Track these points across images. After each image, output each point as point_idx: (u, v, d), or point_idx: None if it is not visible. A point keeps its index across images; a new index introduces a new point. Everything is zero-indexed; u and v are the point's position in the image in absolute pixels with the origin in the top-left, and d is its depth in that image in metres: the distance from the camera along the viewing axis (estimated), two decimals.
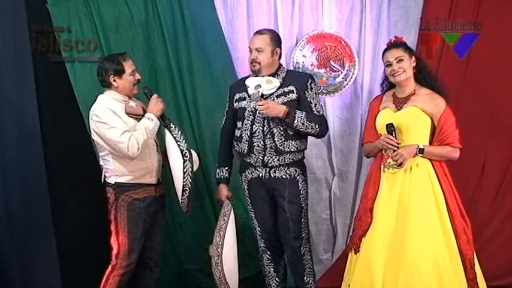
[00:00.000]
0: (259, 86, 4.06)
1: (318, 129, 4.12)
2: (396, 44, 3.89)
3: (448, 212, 3.67)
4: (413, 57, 3.82)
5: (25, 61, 4.34)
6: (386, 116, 3.82)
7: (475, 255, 3.70)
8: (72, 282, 4.46)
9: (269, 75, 4.12)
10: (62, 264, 4.44)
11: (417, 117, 3.73)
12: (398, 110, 3.79)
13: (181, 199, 3.99)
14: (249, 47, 4.18)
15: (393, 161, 3.72)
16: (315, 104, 4.15)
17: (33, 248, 4.40)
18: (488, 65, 4.89)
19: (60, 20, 4.63)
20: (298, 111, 4.04)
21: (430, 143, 3.76)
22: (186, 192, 3.97)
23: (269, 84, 4.07)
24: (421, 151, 3.69)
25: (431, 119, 3.74)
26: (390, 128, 3.73)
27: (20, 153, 4.39)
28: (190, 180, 3.96)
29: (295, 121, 4.02)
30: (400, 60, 3.79)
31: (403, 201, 3.67)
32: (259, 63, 4.11)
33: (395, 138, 3.71)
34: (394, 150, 3.70)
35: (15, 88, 4.38)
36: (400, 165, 3.69)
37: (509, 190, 4.97)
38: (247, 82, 4.15)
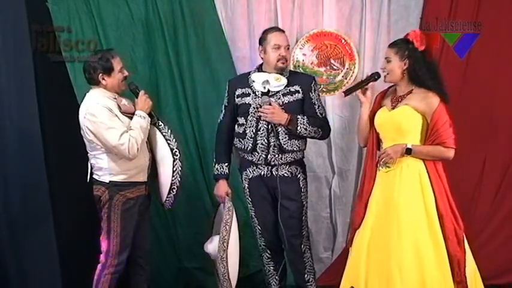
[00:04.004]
0: (267, 82, 4.04)
1: (320, 133, 4.16)
2: (394, 42, 3.82)
3: (437, 213, 3.60)
4: (406, 59, 3.69)
5: (25, 61, 4.31)
6: (381, 116, 3.79)
7: (469, 257, 3.64)
8: (72, 281, 4.45)
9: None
10: (62, 263, 4.43)
11: (408, 116, 3.67)
12: (394, 108, 3.75)
13: (167, 197, 4.01)
14: (277, 44, 4.10)
15: (381, 161, 3.71)
16: (318, 106, 4.17)
17: (34, 247, 4.39)
18: (488, 65, 4.88)
19: (60, 18, 4.62)
20: (299, 117, 4.05)
21: (425, 141, 3.70)
22: (174, 190, 3.99)
23: (277, 81, 4.06)
24: (408, 151, 3.64)
25: (425, 117, 3.67)
26: (374, 76, 3.84)
27: (21, 153, 4.37)
28: (179, 179, 3.98)
29: (298, 127, 4.04)
30: (388, 62, 3.75)
31: (393, 200, 3.63)
32: (287, 61, 4.16)
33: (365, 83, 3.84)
34: (362, 83, 3.82)
35: (15, 88, 4.35)
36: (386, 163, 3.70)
37: (509, 190, 4.98)
38: (253, 77, 4.12)
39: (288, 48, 4.20)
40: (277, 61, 4.11)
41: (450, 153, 3.67)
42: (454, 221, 3.62)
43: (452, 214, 3.63)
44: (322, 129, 4.17)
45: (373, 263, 3.63)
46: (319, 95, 4.25)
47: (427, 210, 3.60)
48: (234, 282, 4.10)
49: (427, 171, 3.66)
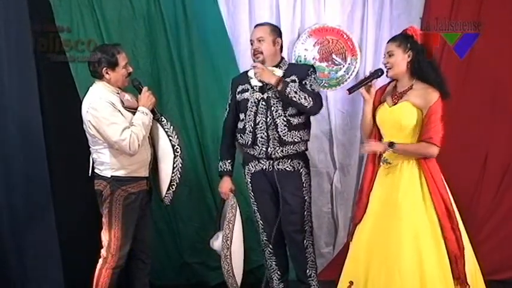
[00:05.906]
0: None
1: (311, 102, 4.03)
2: (394, 37, 3.78)
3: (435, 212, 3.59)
4: (409, 51, 3.66)
5: (27, 57, 4.30)
6: (381, 112, 3.78)
7: (469, 253, 3.62)
8: (73, 276, 4.45)
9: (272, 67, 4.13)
10: (64, 257, 4.43)
11: (408, 112, 3.63)
12: (394, 104, 3.72)
13: (166, 193, 4.00)
14: (251, 40, 4.19)
15: (362, 151, 3.72)
16: (311, 85, 4.12)
17: (35, 241, 4.39)
18: (490, 62, 4.87)
19: (62, 13, 4.62)
20: (291, 82, 4.05)
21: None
22: (173, 187, 3.99)
23: None
24: (391, 145, 3.61)
25: (422, 112, 3.62)
26: (377, 73, 3.78)
27: (22, 149, 4.37)
28: (179, 176, 3.98)
29: (288, 89, 3.99)
30: (390, 55, 3.70)
31: (395, 199, 3.61)
32: (262, 53, 4.12)
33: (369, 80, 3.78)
34: (366, 80, 3.78)
35: (17, 83, 4.35)
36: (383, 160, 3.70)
37: (510, 185, 4.99)
38: (250, 73, 4.17)
39: (260, 40, 4.12)
40: (253, 56, 4.16)
41: (432, 149, 3.59)
42: (454, 218, 3.59)
43: (447, 212, 3.59)
44: (313, 99, 4.05)
45: (373, 258, 3.62)
46: (315, 79, 4.18)
47: (427, 207, 3.58)
48: (239, 279, 4.12)
49: (422, 170, 3.62)
